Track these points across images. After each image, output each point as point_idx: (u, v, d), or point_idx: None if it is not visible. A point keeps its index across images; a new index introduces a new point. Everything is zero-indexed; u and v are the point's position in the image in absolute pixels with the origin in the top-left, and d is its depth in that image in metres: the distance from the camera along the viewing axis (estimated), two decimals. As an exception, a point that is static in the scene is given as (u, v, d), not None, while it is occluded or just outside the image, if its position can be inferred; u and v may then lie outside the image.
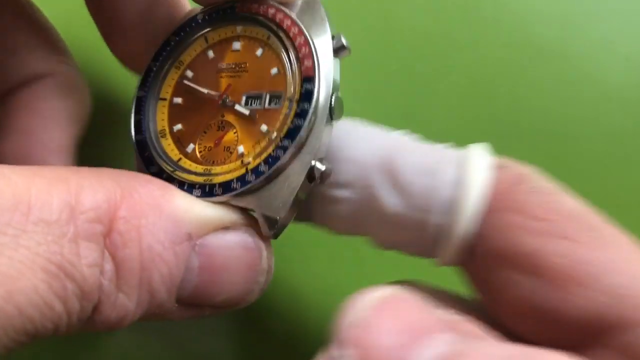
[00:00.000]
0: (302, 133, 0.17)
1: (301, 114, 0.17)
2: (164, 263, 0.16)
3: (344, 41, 0.18)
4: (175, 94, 0.20)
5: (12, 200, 0.13)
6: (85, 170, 0.16)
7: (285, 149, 0.17)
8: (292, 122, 0.17)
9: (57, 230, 0.14)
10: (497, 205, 0.16)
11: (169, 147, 0.19)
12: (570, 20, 0.28)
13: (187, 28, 0.20)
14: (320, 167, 0.17)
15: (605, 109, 0.27)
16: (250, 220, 0.17)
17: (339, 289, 0.23)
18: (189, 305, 0.17)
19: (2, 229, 0.13)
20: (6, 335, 0.13)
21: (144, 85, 0.20)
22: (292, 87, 0.18)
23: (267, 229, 0.17)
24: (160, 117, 0.20)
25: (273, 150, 0.17)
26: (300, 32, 0.18)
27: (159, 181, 0.17)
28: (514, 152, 0.22)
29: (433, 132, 0.22)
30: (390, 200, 0.17)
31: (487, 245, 0.16)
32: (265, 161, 0.17)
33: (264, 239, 0.18)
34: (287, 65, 0.18)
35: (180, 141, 0.19)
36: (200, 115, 0.19)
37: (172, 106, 0.20)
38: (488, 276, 0.16)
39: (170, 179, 0.18)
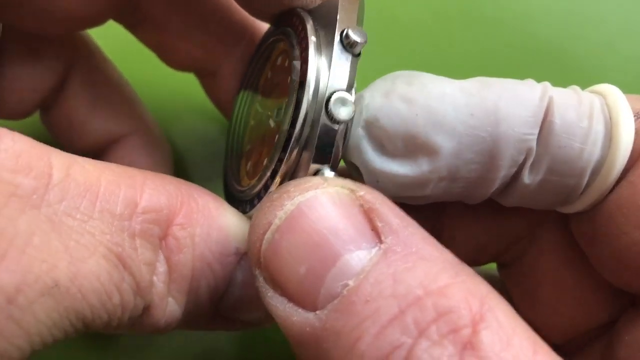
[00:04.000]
0: (292, 144, 0.16)
1: (292, 124, 0.16)
2: (212, 273, 0.16)
3: (352, 35, 0.16)
4: (253, 117, 0.21)
5: (83, 187, 0.14)
6: (150, 173, 0.16)
7: (280, 161, 0.16)
8: (288, 125, 0.16)
9: (119, 223, 0.14)
10: (635, 157, 0.15)
11: (243, 167, 0.20)
12: (571, 20, 0.28)
13: (258, 50, 0.21)
14: (326, 172, 0.16)
15: None
16: None
17: None
18: (222, 318, 0.17)
19: (72, 213, 0.13)
20: (67, 318, 0.13)
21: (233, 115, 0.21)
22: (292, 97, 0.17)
23: None
24: (245, 140, 0.21)
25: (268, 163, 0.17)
26: (305, 35, 0.17)
27: (212, 194, 0.17)
28: None
29: None
30: (531, 178, 0.16)
31: (615, 196, 0.15)
32: (260, 175, 0.17)
33: None
34: (293, 73, 0.17)
35: (247, 160, 0.20)
36: (259, 134, 0.19)
37: (250, 129, 0.20)
38: (603, 227, 0.16)
39: (230, 196, 0.19)
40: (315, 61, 0.16)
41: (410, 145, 0.15)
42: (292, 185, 0.14)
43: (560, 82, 0.25)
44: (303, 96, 0.16)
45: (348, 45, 0.16)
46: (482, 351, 0.11)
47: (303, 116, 0.16)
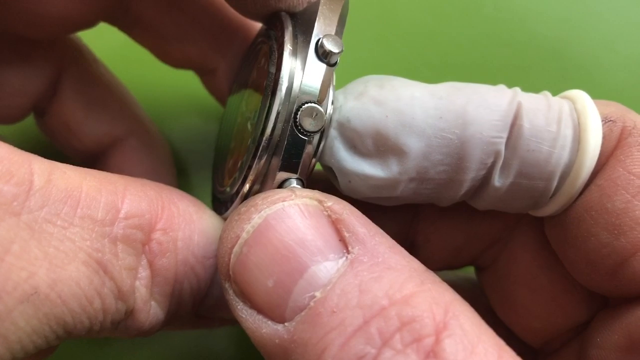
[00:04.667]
0: (261, 151, 0.15)
1: (262, 132, 0.16)
2: (195, 276, 0.16)
3: (327, 45, 0.15)
4: (239, 116, 0.21)
5: (64, 193, 0.14)
6: (130, 178, 0.16)
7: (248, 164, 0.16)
8: (258, 140, 0.16)
9: (100, 229, 0.14)
10: (602, 161, 0.15)
11: (227, 166, 0.20)
12: (572, 19, 0.28)
13: (246, 54, 0.21)
14: (295, 183, 0.16)
15: None
16: None
17: None
18: (203, 317, 0.18)
19: (52, 219, 0.13)
20: (48, 324, 0.13)
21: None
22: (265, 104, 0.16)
23: None
24: (232, 139, 0.21)
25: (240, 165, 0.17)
26: (282, 42, 0.16)
27: (192, 197, 0.17)
28: None
29: None
30: (501, 181, 0.16)
31: (584, 200, 0.16)
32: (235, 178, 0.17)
33: None
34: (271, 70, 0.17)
35: (229, 160, 0.20)
36: (239, 133, 0.20)
37: (236, 128, 0.20)
38: (573, 230, 0.16)
39: (215, 197, 0.19)
40: (288, 69, 0.16)
41: (381, 146, 0.16)
42: (260, 197, 0.14)
43: (560, 81, 0.27)
44: (273, 104, 0.15)
45: (323, 54, 0.16)
46: (445, 359, 0.11)
47: (272, 124, 0.15)
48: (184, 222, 0.16)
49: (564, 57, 0.28)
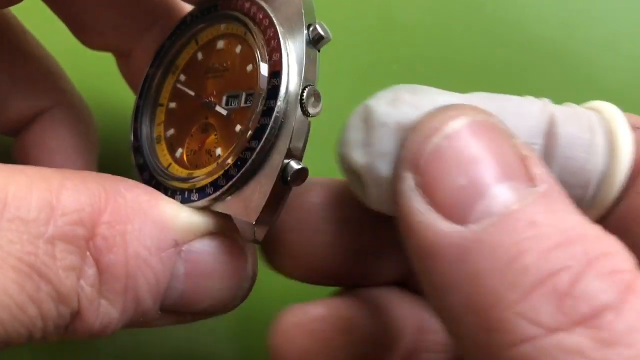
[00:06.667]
0: (268, 132, 0.16)
1: (266, 112, 0.16)
2: (150, 270, 0.15)
3: (320, 30, 0.16)
4: (171, 98, 0.19)
5: None
6: (69, 172, 0.15)
7: (252, 150, 0.16)
8: (259, 121, 0.16)
9: (34, 229, 0.13)
10: (638, 168, 0.16)
11: (162, 152, 0.19)
12: (573, 19, 0.28)
13: (177, 30, 0.19)
14: (295, 165, 0.16)
15: None
16: (235, 226, 0.17)
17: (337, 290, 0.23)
18: (172, 312, 0.17)
19: None
20: None
21: (142, 92, 0.19)
22: (261, 83, 0.17)
23: (247, 234, 0.16)
24: (157, 123, 0.19)
25: (242, 152, 0.16)
26: (271, 24, 0.17)
27: (145, 186, 0.17)
28: None
29: None
30: None
31: (625, 206, 0.16)
32: (235, 164, 0.16)
33: (249, 244, 0.17)
34: (259, 60, 0.17)
35: (172, 146, 0.19)
36: (189, 118, 0.19)
37: (168, 111, 0.19)
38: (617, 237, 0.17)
39: (157, 185, 0.18)
40: (286, 53, 0.16)
41: None
42: (470, 108, 0.14)
43: (561, 82, 0.27)
44: (280, 85, 0.16)
45: (315, 39, 0.16)
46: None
47: (282, 105, 0.16)
48: (133, 213, 0.15)
49: (564, 57, 0.28)
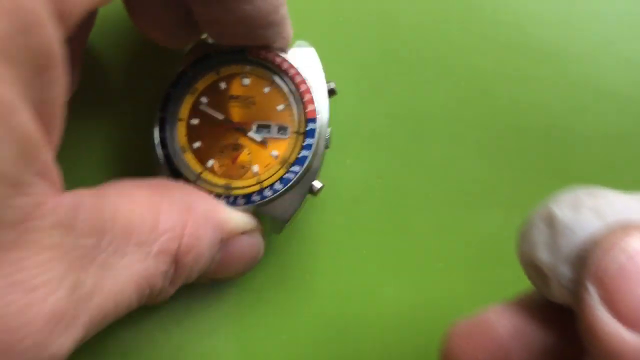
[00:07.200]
0: (308, 161, 0.22)
1: (306, 147, 0.23)
2: (204, 262, 0.20)
3: (334, 87, 0.24)
4: (192, 115, 0.24)
5: (123, 229, 0.17)
6: (161, 194, 0.19)
7: (295, 172, 0.22)
8: (299, 152, 0.23)
9: (146, 248, 0.17)
10: None
11: (191, 161, 0.23)
12: (570, 21, 0.28)
13: (201, 62, 0.24)
14: (318, 184, 0.23)
15: (605, 109, 0.27)
16: (260, 224, 0.23)
17: (337, 290, 0.25)
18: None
19: (115, 255, 0.16)
20: (99, 326, 0.16)
21: (164, 107, 0.24)
22: (297, 123, 0.23)
23: (277, 229, 0.23)
24: (180, 135, 0.23)
25: (285, 173, 0.22)
26: (303, 81, 0.23)
27: (207, 196, 0.21)
28: (512, 153, 0.27)
29: (432, 132, 0.27)
30: None
31: None
32: (281, 181, 0.22)
33: (264, 235, 0.23)
34: (293, 104, 0.23)
35: (199, 156, 0.23)
36: (217, 136, 0.24)
37: (190, 126, 0.24)
38: None
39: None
40: (318, 105, 0.23)
41: None
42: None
43: (560, 83, 0.28)
44: (315, 131, 0.23)
45: (330, 92, 0.24)
46: None
47: (316, 144, 0.23)
48: (203, 222, 0.20)
49: (564, 58, 0.28)
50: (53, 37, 0.13)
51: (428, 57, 0.28)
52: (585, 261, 0.15)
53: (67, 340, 0.14)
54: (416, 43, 0.28)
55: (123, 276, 0.16)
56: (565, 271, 0.16)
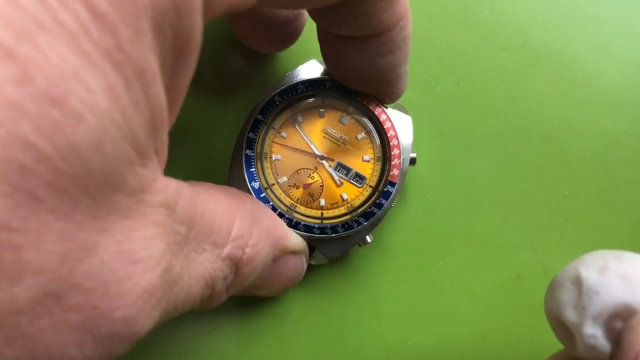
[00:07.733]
0: (376, 218, 0.23)
1: (378, 205, 0.23)
2: (256, 275, 0.20)
3: (415, 156, 0.24)
4: (283, 127, 0.24)
5: (206, 227, 0.17)
6: (236, 202, 0.19)
7: (359, 223, 0.23)
8: (369, 207, 0.24)
9: (219, 250, 0.17)
10: None
11: (267, 170, 0.24)
12: (568, 22, 0.29)
13: (314, 82, 0.24)
14: (369, 239, 0.24)
15: (603, 110, 0.28)
16: (306, 247, 0.24)
17: (336, 291, 0.26)
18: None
19: (198, 247, 0.17)
20: (168, 317, 0.16)
21: (264, 110, 0.24)
22: (377, 180, 0.24)
23: (316, 260, 0.25)
24: (267, 141, 0.24)
25: (350, 221, 0.23)
26: (397, 146, 0.24)
27: (270, 211, 0.22)
28: (511, 154, 0.27)
29: (431, 133, 0.28)
30: None
31: None
32: (343, 225, 0.23)
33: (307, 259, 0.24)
34: (379, 161, 0.24)
35: (275, 169, 0.24)
36: (298, 157, 0.24)
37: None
38: None
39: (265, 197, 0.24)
40: (402, 172, 0.24)
41: (623, 320, 0.17)
42: None
43: (558, 84, 0.28)
44: (391, 195, 0.24)
45: (411, 161, 0.25)
46: None
47: (388, 206, 0.24)
48: (264, 236, 0.20)
49: (562, 60, 0.28)
50: (198, 24, 0.13)
51: (427, 60, 0.28)
52: (620, 340, 0.16)
53: (149, 321, 0.14)
54: (416, 43, 0.27)
55: (198, 272, 0.16)
56: (589, 331, 0.17)
